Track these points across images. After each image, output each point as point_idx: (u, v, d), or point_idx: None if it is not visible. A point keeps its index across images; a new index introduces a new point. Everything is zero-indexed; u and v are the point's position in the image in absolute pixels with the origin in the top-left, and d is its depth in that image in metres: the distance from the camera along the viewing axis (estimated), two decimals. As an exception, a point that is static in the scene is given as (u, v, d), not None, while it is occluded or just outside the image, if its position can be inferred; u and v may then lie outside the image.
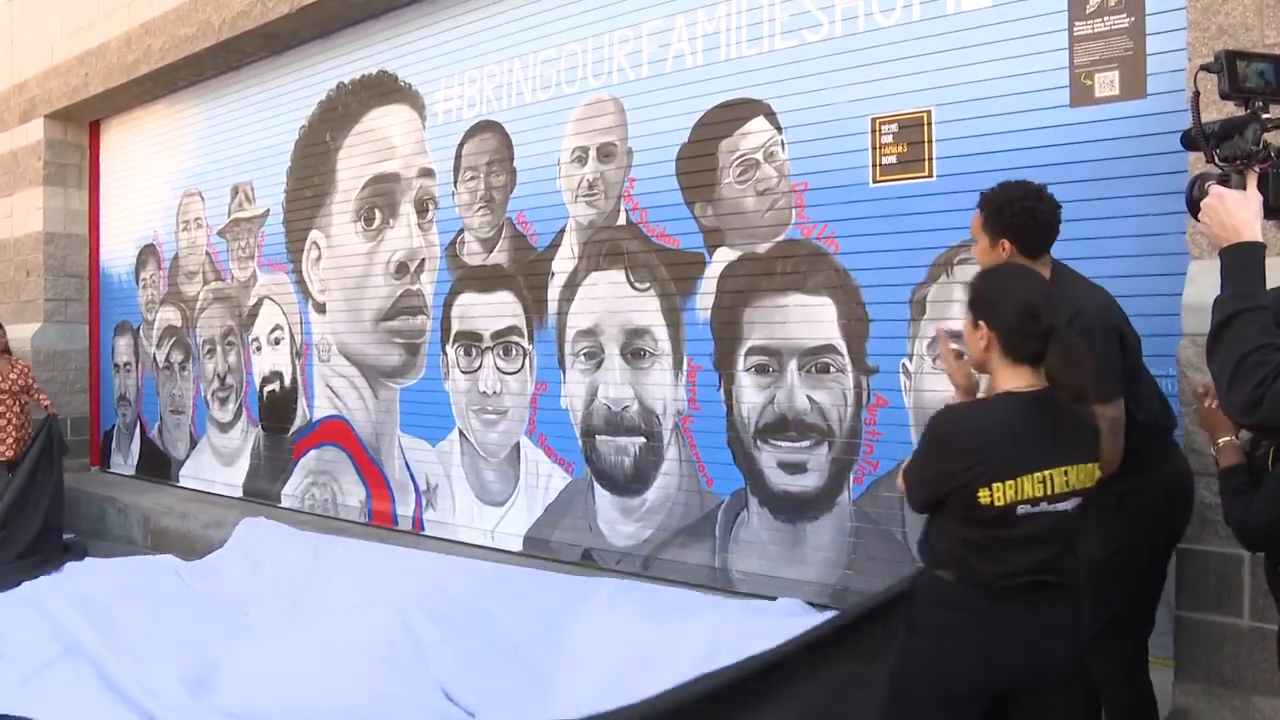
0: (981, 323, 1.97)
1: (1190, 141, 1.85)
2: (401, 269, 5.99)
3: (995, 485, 1.85)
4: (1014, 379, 1.94)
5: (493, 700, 3.49)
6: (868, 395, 4.02)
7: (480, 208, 5.54)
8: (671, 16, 4.64)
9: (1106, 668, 2.53)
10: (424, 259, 5.86)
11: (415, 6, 5.87)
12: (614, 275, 4.88)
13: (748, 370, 4.37)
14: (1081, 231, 3.30)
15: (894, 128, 3.91)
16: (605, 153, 4.93)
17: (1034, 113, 3.54)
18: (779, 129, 4.27)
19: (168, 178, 7.99)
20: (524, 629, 3.92)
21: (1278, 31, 2.77)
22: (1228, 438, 2.02)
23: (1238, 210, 1.68)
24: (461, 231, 5.64)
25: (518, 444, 5.35)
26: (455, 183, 5.68)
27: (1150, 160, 3.26)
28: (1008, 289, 1.98)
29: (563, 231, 5.11)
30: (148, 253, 8.28)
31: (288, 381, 6.83)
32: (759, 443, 4.33)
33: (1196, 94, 1.84)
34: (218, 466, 7.47)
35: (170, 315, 7.98)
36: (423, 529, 5.86)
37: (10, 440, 7.09)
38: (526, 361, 5.30)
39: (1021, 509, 1.86)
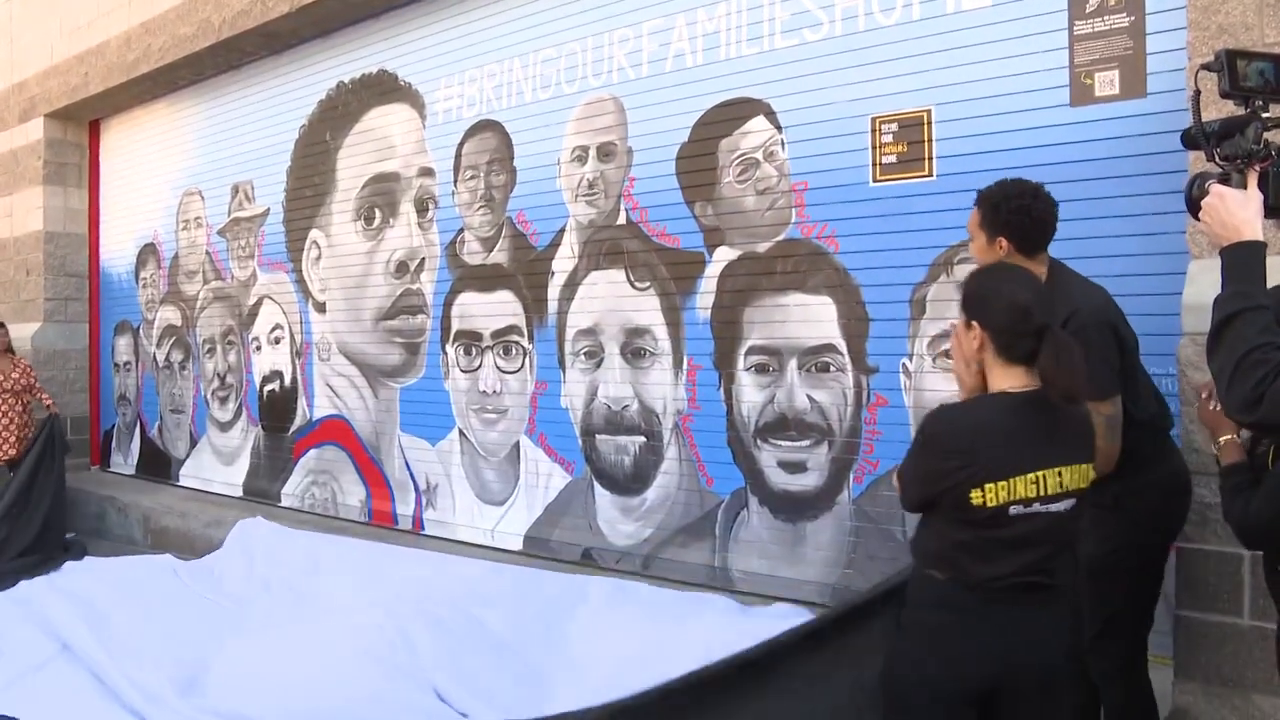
0: (974, 323, 1.96)
1: (1191, 140, 1.85)
2: (401, 268, 5.99)
3: (988, 486, 1.84)
4: (1008, 379, 1.93)
5: (485, 701, 3.48)
6: (868, 394, 4.02)
7: (480, 207, 5.54)
8: (671, 16, 4.64)
9: (1105, 667, 2.53)
10: (424, 258, 5.86)
11: (415, 6, 5.87)
12: (614, 274, 4.88)
13: (748, 369, 4.37)
14: (1082, 231, 3.30)
15: (894, 127, 3.91)
16: (605, 152, 4.93)
17: (1034, 112, 3.55)
18: (779, 128, 4.27)
19: (168, 177, 7.99)
20: (518, 633, 3.91)
21: (1278, 30, 2.77)
22: (1229, 435, 2.02)
23: (1238, 209, 1.68)
24: (461, 231, 5.64)
25: (518, 443, 5.35)
26: (455, 182, 5.68)
27: (1150, 159, 3.27)
28: (999, 288, 1.97)
29: (563, 231, 5.11)
30: (148, 252, 8.28)
31: (288, 381, 6.83)
32: (759, 442, 4.33)
33: (1197, 93, 1.84)
34: (218, 466, 7.47)
35: (170, 314, 7.98)
36: (423, 528, 5.86)
37: (13, 439, 7.09)
38: (526, 361, 5.30)
39: (1014, 510, 1.85)
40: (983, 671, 1.90)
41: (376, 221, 6.15)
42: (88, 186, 8.85)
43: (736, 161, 4.41)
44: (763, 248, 4.32)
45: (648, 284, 4.75)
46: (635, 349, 4.80)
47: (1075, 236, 3.24)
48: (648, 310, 4.74)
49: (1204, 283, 2.65)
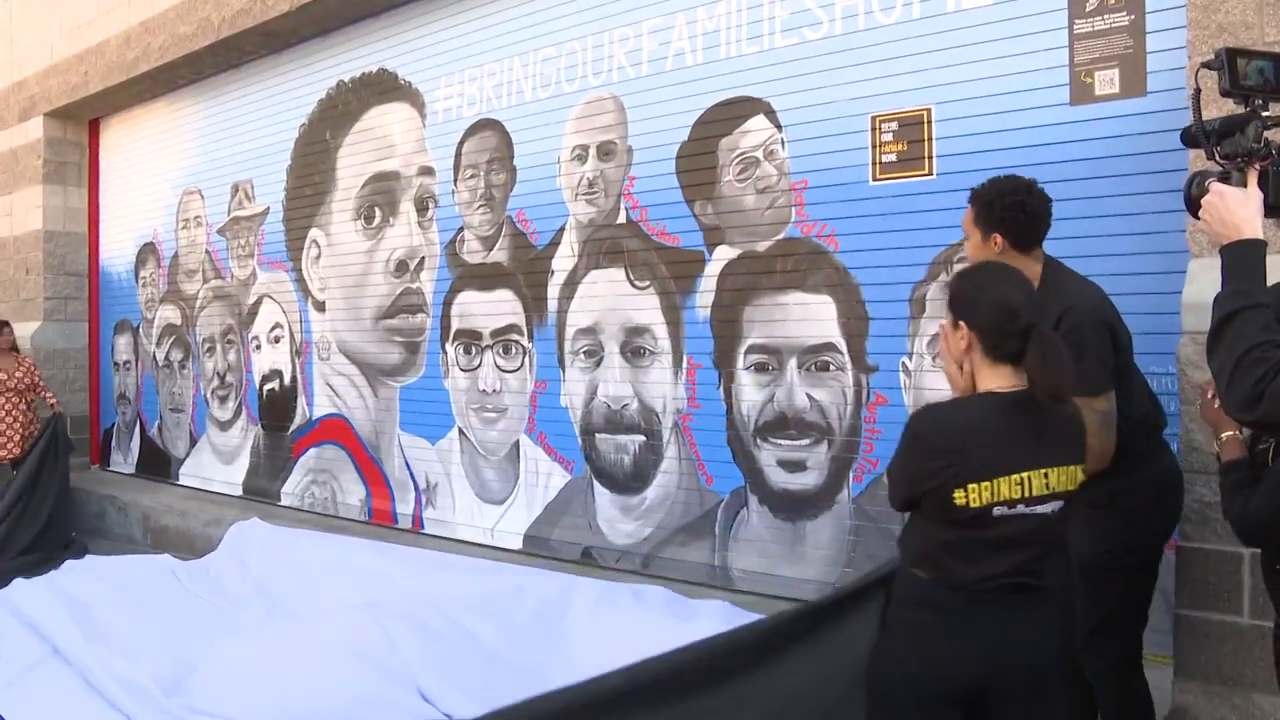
0: (961, 323, 1.95)
1: (1191, 139, 1.85)
2: (401, 267, 5.99)
3: (971, 486, 1.82)
4: (996, 379, 1.91)
5: (471, 701, 3.47)
6: (867, 393, 4.02)
7: (480, 206, 5.53)
8: (671, 15, 4.64)
9: (1100, 666, 2.52)
10: (424, 257, 5.86)
11: (415, 5, 5.87)
12: (614, 273, 4.88)
13: (747, 368, 4.37)
14: (1081, 229, 3.31)
15: (894, 126, 3.91)
16: (605, 151, 4.93)
17: (1034, 111, 3.55)
18: (779, 127, 4.27)
19: (167, 176, 7.99)
20: (511, 641, 3.90)
21: (1278, 29, 2.77)
22: (1231, 432, 2.02)
23: (1238, 208, 1.68)
24: (461, 230, 5.64)
25: (517, 442, 5.35)
26: (455, 181, 5.67)
27: (1150, 158, 3.27)
28: (986, 288, 1.96)
29: (562, 230, 5.11)
30: (147, 251, 8.28)
31: (287, 380, 6.83)
32: (759, 441, 4.33)
33: (1197, 91, 1.83)
34: (217, 465, 7.48)
35: (170, 313, 7.98)
36: (422, 527, 5.86)
37: (16, 438, 7.10)
38: (526, 360, 5.30)
39: (998, 511, 1.83)
40: (967, 672, 1.88)
41: (376, 220, 6.15)
42: (87, 185, 8.85)
43: (736, 160, 4.41)
44: (762, 246, 4.32)
45: (647, 283, 4.75)
46: (635, 348, 4.80)
47: (1075, 235, 3.25)
48: (647, 309, 4.74)
49: (1204, 281, 2.65)
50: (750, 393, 4.36)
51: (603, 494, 4.94)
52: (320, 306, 6.54)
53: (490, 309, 5.47)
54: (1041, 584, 1.89)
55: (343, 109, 6.40)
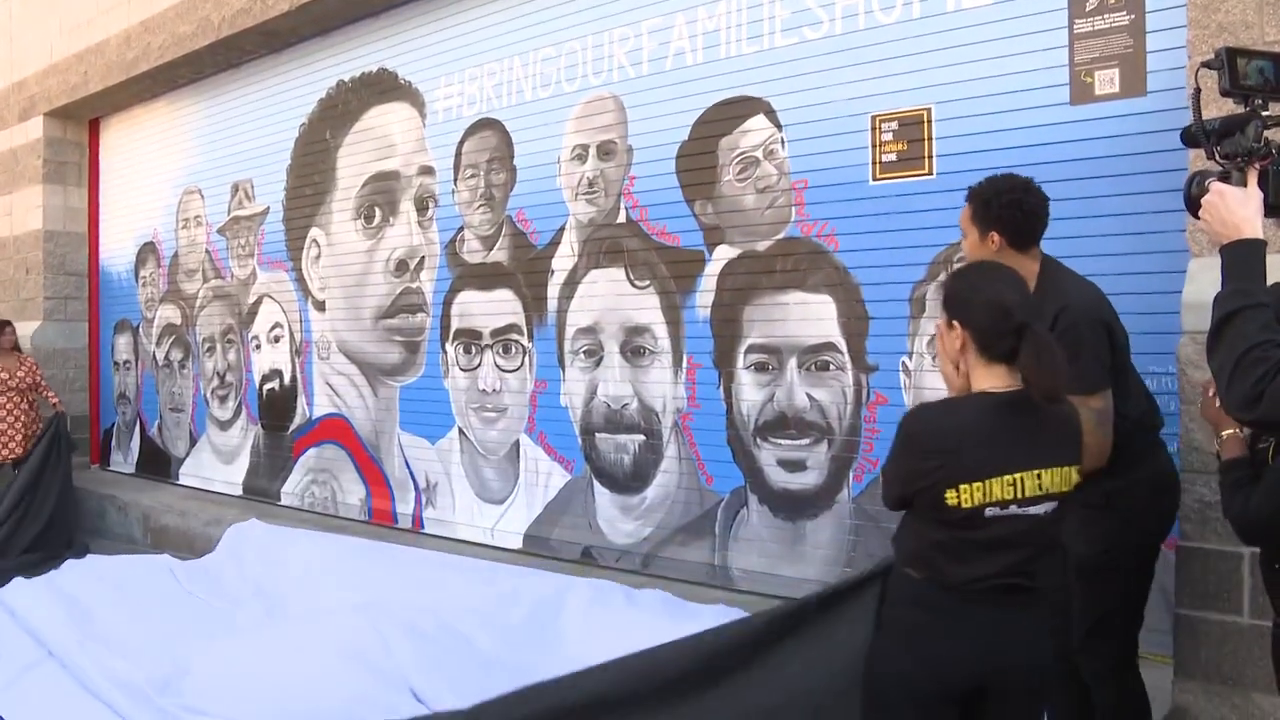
0: (956, 322, 1.94)
1: (1191, 138, 1.85)
2: (401, 267, 5.99)
3: (962, 487, 1.81)
4: (989, 379, 1.90)
5: (464, 703, 3.47)
6: (867, 393, 4.02)
7: (480, 205, 5.53)
8: (671, 14, 4.64)
9: (1096, 666, 2.53)
10: (424, 257, 5.86)
11: (415, 4, 5.87)
12: (614, 273, 4.88)
13: (747, 368, 4.37)
14: (1081, 229, 3.31)
15: (894, 125, 3.91)
16: (605, 150, 4.93)
17: (1034, 110, 3.55)
18: (779, 127, 4.27)
19: (167, 175, 7.99)
20: (502, 641, 3.90)
21: (1278, 29, 2.77)
22: (1231, 430, 2.01)
23: (1238, 207, 1.68)
24: (461, 229, 5.64)
25: (517, 442, 5.35)
26: (455, 180, 5.67)
27: (1150, 158, 3.26)
28: (980, 287, 1.95)
29: (562, 229, 5.11)
30: (147, 251, 8.28)
31: (287, 379, 6.83)
32: (759, 440, 4.33)
33: (1197, 91, 1.83)
34: (217, 464, 7.48)
35: (170, 313, 7.98)
36: (422, 527, 5.86)
37: (19, 438, 7.11)
38: (526, 359, 5.30)
39: (990, 511, 1.82)
40: (960, 672, 1.88)
41: (376, 220, 6.15)
42: (87, 185, 8.85)
43: (736, 160, 4.41)
44: (762, 246, 4.32)
45: (647, 282, 4.75)
46: (635, 347, 4.80)
47: (1075, 235, 3.25)
48: (647, 309, 4.74)
49: (1204, 281, 2.65)
50: (750, 392, 4.36)
51: (603, 494, 4.94)
52: (320, 306, 6.54)
53: (490, 308, 5.47)
54: (1034, 585, 1.89)
55: (343, 109, 6.40)
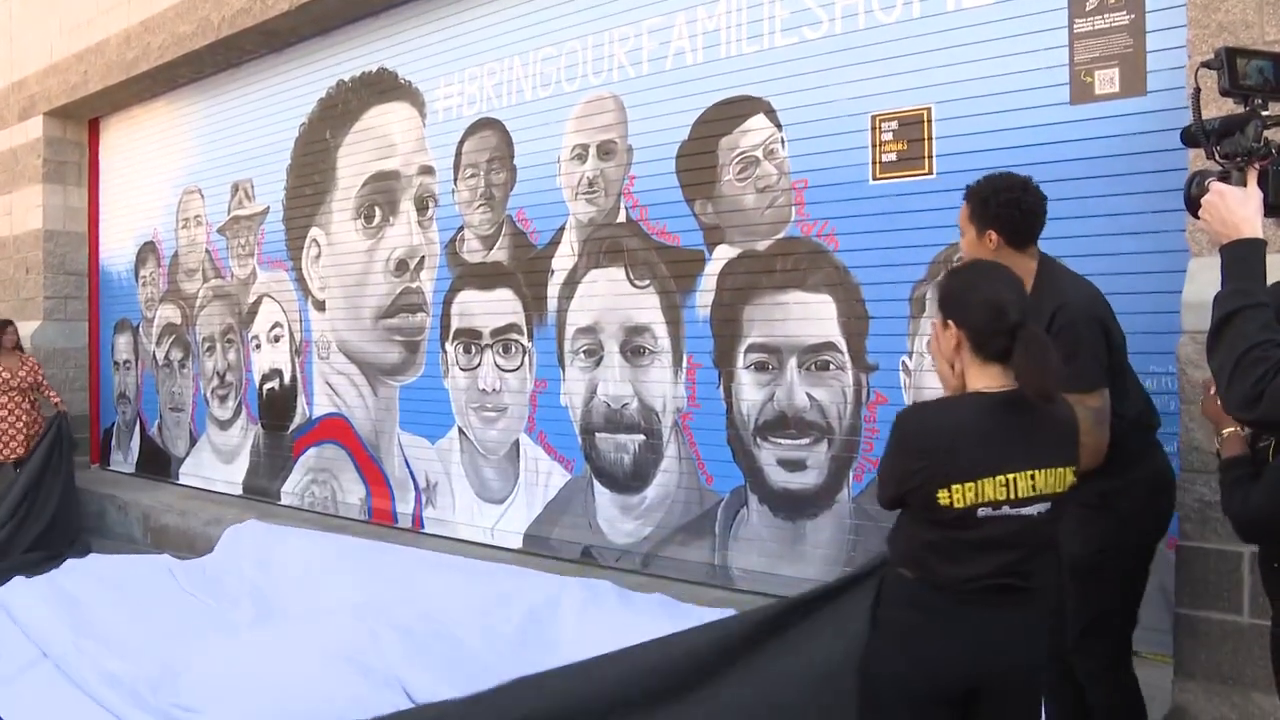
0: (950, 322, 1.94)
1: (1191, 138, 1.85)
2: (401, 266, 5.99)
3: (955, 487, 1.80)
4: (984, 378, 1.90)
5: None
6: (867, 392, 4.02)
7: (480, 205, 5.54)
8: (672, 14, 4.64)
9: (1091, 666, 2.53)
10: (424, 256, 5.86)
11: (415, 4, 5.87)
12: (614, 273, 4.88)
13: (747, 368, 4.37)
14: (1081, 229, 3.31)
15: (894, 125, 3.91)
16: (605, 150, 4.93)
17: (1034, 110, 3.55)
18: (779, 126, 4.27)
19: (167, 175, 7.99)
20: (497, 642, 3.90)
21: (1278, 29, 2.77)
22: (1231, 429, 2.01)
23: (1238, 207, 1.68)
24: (461, 229, 5.64)
25: (517, 441, 5.36)
26: (455, 180, 5.68)
27: (1150, 158, 3.27)
28: (975, 286, 1.94)
29: (562, 229, 5.11)
30: (147, 250, 8.28)
31: (287, 379, 6.84)
32: (759, 440, 4.33)
33: (1197, 91, 1.83)
34: (217, 464, 7.48)
35: (170, 313, 7.98)
36: (422, 527, 5.86)
37: (21, 438, 7.12)
38: (526, 359, 5.30)
39: (982, 511, 1.81)
40: (953, 672, 1.88)
41: (376, 220, 6.15)
42: (87, 185, 8.85)
43: (736, 160, 4.41)
44: (762, 246, 4.32)
45: (647, 282, 4.75)
46: (635, 347, 4.80)
47: (1075, 234, 3.26)
48: (647, 308, 4.74)
49: (1204, 280, 2.65)
50: (750, 392, 4.36)
51: (603, 493, 4.94)
52: (320, 306, 6.54)
53: (490, 308, 5.47)
54: (1028, 585, 1.88)
55: (343, 108, 6.40)
